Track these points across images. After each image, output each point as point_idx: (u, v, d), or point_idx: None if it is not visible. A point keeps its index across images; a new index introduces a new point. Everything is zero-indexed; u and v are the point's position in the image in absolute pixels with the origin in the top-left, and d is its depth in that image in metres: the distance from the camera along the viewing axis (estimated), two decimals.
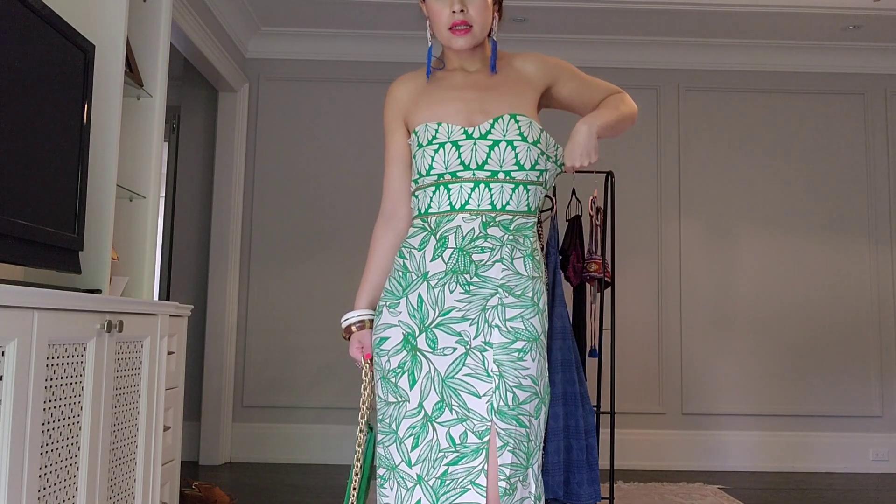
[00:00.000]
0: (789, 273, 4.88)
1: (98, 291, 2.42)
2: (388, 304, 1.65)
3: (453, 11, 1.64)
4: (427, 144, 1.65)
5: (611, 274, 3.64)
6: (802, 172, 4.96)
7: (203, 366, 4.72)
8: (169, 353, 2.70)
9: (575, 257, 3.59)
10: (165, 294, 4.98)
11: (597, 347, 3.64)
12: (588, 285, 3.65)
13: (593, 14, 4.56)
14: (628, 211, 4.73)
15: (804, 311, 4.85)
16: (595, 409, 3.51)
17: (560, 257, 3.48)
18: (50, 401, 1.76)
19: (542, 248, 3.28)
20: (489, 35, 1.73)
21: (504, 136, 1.62)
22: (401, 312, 1.63)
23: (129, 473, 2.29)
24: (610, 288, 3.65)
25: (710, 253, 4.90)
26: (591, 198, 3.66)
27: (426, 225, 1.65)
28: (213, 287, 4.77)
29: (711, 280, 4.88)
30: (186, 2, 3.88)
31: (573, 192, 3.76)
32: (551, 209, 3.45)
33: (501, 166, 1.61)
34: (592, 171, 3.64)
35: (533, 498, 1.57)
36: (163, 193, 4.67)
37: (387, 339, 1.64)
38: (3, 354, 1.56)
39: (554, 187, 3.50)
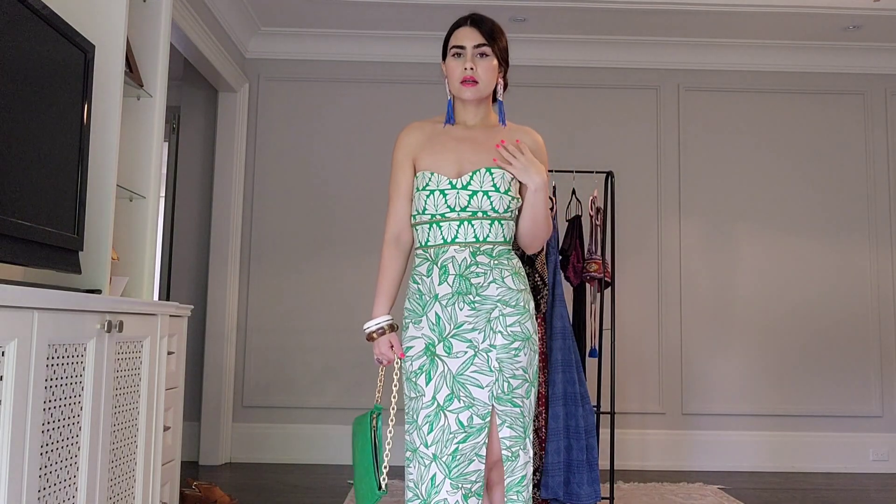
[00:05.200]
0: (789, 273, 4.88)
1: (98, 291, 2.42)
2: (412, 321, 2.07)
3: (465, 69, 2.08)
4: (422, 189, 2.07)
5: (611, 274, 3.64)
6: (802, 172, 4.96)
7: (203, 366, 4.72)
8: (169, 353, 2.70)
9: (575, 257, 3.59)
10: (165, 294, 4.98)
11: (597, 347, 3.64)
12: (588, 285, 3.65)
13: (593, 14, 4.55)
14: (628, 211, 4.73)
15: (804, 311, 4.85)
16: (595, 409, 3.51)
17: (560, 257, 3.48)
18: (50, 401, 1.76)
19: (543, 248, 3.28)
20: (495, 96, 2.15)
21: (481, 186, 2.04)
22: (423, 327, 2.05)
23: (129, 473, 2.29)
24: (610, 288, 3.65)
25: (710, 253, 4.90)
26: (591, 198, 3.66)
27: (427, 255, 2.07)
28: (213, 287, 4.77)
29: (711, 280, 4.88)
30: (186, 2, 3.88)
31: (573, 192, 3.76)
32: (551, 209, 3.44)
33: (480, 209, 2.03)
34: (593, 172, 3.65)
35: (530, 459, 2.04)
36: (163, 193, 4.66)
37: (412, 347, 2.06)
38: (3, 354, 1.56)
39: (554, 187, 3.51)
